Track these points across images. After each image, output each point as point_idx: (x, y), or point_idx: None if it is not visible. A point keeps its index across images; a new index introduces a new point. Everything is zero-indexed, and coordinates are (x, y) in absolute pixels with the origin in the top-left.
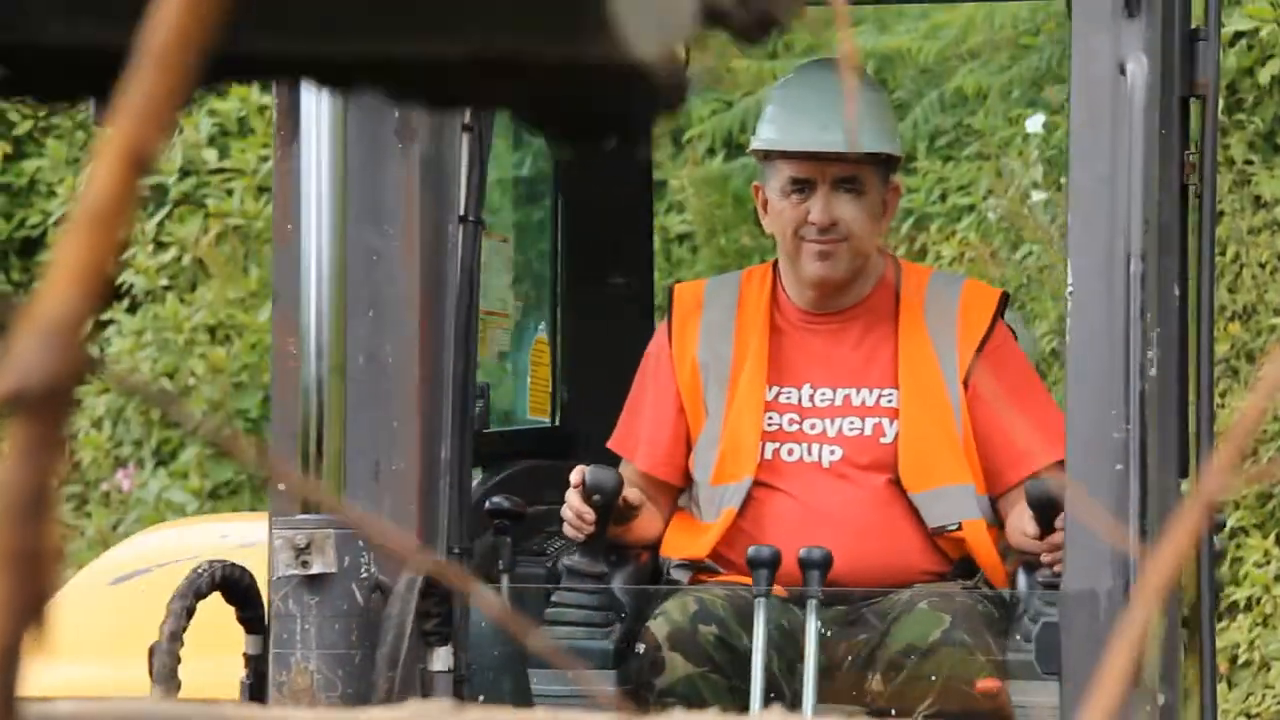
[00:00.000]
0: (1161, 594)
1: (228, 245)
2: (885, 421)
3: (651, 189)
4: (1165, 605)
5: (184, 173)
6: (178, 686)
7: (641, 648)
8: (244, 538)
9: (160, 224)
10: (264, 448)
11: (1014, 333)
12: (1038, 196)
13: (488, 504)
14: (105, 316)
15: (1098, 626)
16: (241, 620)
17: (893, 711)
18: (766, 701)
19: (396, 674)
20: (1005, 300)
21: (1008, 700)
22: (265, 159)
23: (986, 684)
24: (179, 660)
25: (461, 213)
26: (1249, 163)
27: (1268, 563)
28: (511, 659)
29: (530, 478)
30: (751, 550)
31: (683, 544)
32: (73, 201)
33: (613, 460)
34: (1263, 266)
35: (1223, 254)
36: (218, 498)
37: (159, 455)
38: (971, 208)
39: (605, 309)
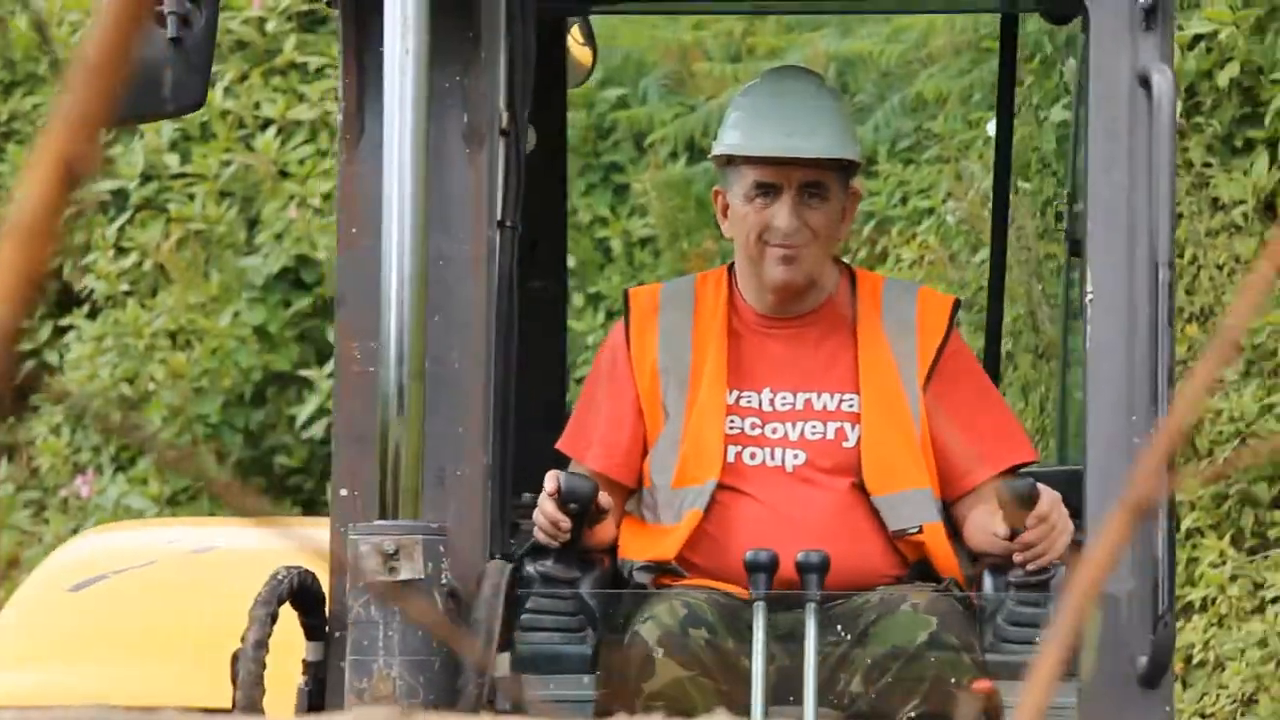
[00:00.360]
0: (1093, 594)
1: (189, 250)
2: (847, 426)
3: (566, 193)
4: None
5: (145, 177)
6: (263, 694)
7: (629, 651)
8: (196, 543)
9: (121, 229)
10: (224, 474)
11: None
12: None
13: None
14: (65, 322)
15: (1117, 628)
16: (306, 626)
17: (879, 714)
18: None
19: (485, 680)
20: (958, 306)
21: (999, 701)
22: (227, 163)
23: (980, 684)
24: (264, 667)
25: (499, 218)
26: (1207, 165)
27: (1223, 563)
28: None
29: None
30: (749, 555)
31: (644, 546)
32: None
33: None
34: (1220, 269)
35: (1181, 256)
36: (177, 504)
37: (118, 461)
38: (931, 211)
39: (522, 312)
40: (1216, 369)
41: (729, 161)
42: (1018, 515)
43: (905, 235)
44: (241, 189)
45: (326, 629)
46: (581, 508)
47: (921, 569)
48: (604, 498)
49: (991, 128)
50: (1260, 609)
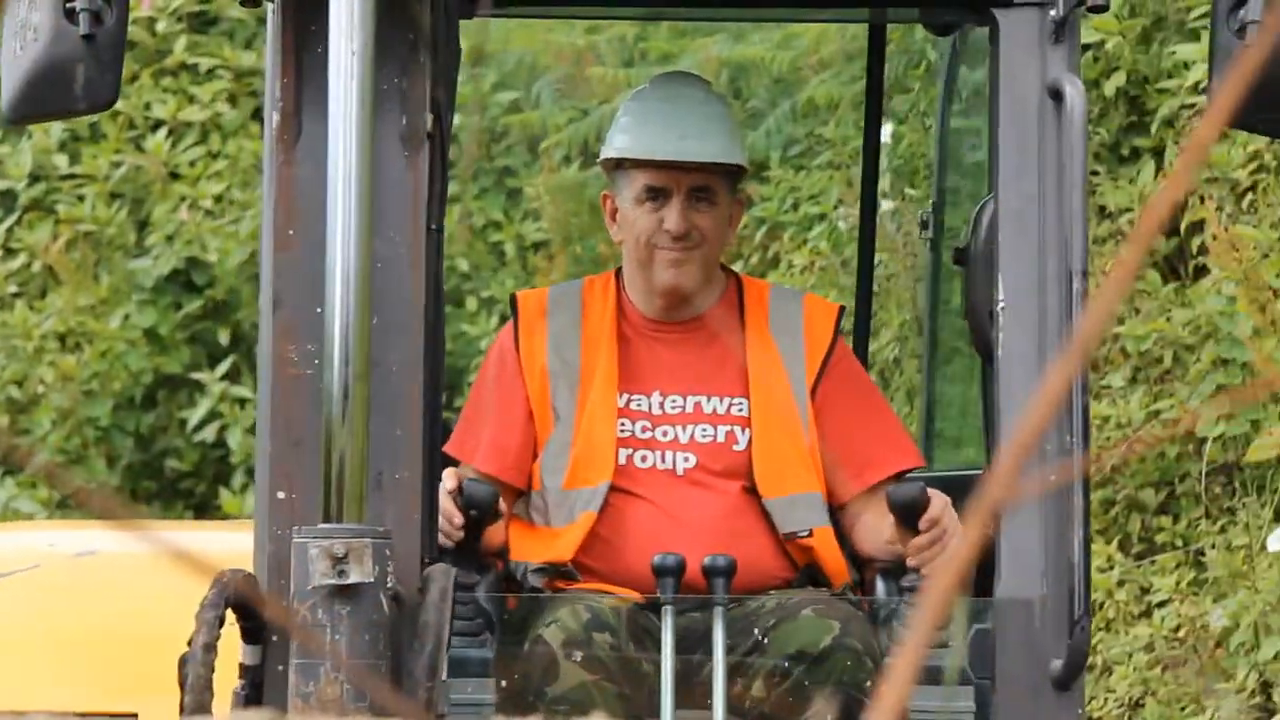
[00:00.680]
0: (950, 596)
1: (78, 252)
2: (737, 429)
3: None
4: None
5: (34, 178)
6: (211, 698)
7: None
8: (76, 546)
9: (9, 230)
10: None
11: None
12: (886, 205)
13: None
14: None
15: (1032, 633)
16: (244, 629)
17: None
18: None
19: (435, 684)
20: (843, 313)
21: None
22: (118, 165)
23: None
24: (213, 671)
25: (425, 221)
26: (1094, 173)
27: (1110, 568)
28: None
29: None
30: (657, 558)
31: (537, 549)
32: None
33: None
34: (1107, 276)
35: None
36: (66, 507)
37: (7, 464)
38: (823, 216)
39: None
40: (1069, 369)
41: (618, 165)
42: (908, 519)
43: (797, 241)
44: (132, 190)
45: (264, 632)
46: (481, 514)
47: (810, 573)
48: (501, 502)
49: (887, 133)
50: (1147, 613)
